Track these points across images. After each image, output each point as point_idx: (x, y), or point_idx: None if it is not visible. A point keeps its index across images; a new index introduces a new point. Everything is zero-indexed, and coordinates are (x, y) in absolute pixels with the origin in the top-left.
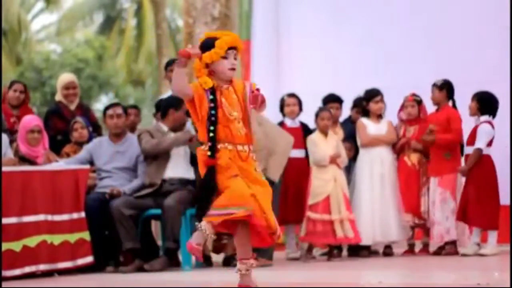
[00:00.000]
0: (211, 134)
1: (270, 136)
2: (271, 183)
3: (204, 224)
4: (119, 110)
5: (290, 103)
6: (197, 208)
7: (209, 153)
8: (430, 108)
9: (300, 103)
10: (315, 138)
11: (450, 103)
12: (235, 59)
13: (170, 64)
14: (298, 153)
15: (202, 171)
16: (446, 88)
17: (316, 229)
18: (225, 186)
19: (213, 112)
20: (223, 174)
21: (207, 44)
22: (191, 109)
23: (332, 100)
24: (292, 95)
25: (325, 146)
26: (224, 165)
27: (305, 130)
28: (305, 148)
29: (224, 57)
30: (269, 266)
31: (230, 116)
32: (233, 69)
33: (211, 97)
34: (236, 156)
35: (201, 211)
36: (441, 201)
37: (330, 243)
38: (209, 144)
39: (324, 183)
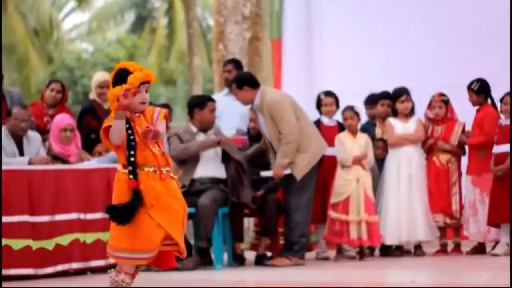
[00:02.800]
0: (132, 159)
1: (305, 134)
2: (290, 179)
3: (120, 276)
4: None
5: (327, 103)
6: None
7: (131, 176)
8: (470, 107)
9: (337, 102)
10: (342, 138)
11: (490, 101)
12: (146, 91)
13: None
14: (335, 152)
15: (122, 196)
16: (482, 91)
17: (335, 228)
18: (139, 220)
19: (131, 137)
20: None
21: (120, 77)
22: (109, 142)
23: (383, 97)
24: (329, 94)
25: (352, 146)
26: (143, 189)
27: (342, 129)
28: None
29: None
30: (301, 265)
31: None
32: (144, 103)
33: (127, 125)
34: (155, 178)
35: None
36: (480, 201)
37: (343, 243)
38: (130, 168)
39: (346, 183)
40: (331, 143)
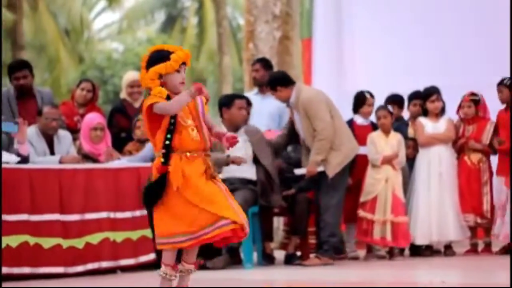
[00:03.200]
0: (167, 142)
1: (338, 132)
2: (321, 179)
3: (162, 269)
4: None
5: (371, 102)
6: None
7: (162, 160)
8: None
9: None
10: (374, 137)
11: None
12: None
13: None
14: (367, 151)
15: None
16: None
17: (362, 227)
18: (175, 203)
19: (172, 120)
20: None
21: (160, 56)
22: (150, 122)
23: (416, 97)
24: (372, 95)
25: (384, 145)
26: (172, 172)
27: (375, 129)
28: None
29: (177, 71)
30: (330, 265)
31: (184, 123)
32: (183, 83)
33: None
34: (186, 162)
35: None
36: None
37: (367, 242)
38: (163, 151)
39: (375, 182)
40: (364, 142)
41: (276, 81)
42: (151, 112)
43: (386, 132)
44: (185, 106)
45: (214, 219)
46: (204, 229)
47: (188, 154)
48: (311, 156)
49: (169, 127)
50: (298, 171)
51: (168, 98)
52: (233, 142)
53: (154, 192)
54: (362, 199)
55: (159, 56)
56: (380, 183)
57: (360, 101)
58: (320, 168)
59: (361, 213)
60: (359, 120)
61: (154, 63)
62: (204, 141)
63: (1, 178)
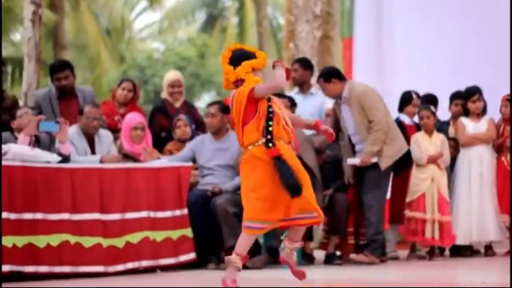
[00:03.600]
0: (270, 129)
1: (391, 128)
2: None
3: (231, 257)
4: (213, 109)
5: (417, 104)
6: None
7: (270, 144)
8: None
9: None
10: (418, 137)
11: None
12: None
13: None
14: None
15: (254, 172)
16: None
17: (410, 227)
18: (264, 190)
19: (270, 109)
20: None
21: (247, 54)
22: (246, 109)
23: (457, 97)
24: (419, 96)
25: (428, 145)
26: (283, 154)
27: (418, 129)
28: None
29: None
30: (375, 264)
31: (280, 114)
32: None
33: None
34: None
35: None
36: None
37: (417, 241)
38: (267, 137)
39: (420, 181)
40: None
41: (331, 73)
42: (252, 97)
43: (430, 132)
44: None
45: (310, 208)
46: (299, 214)
47: (282, 142)
48: (366, 147)
49: (269, 115)
50: (350, 161)
51: None
52: (330, 136)
53: (292, 178)
54: (408, 199)
55: (246, 54)
56: (426, 182)
57: (407, 101)
58: (375, 159)
59: (408, 213)
60: (406, 119)
61: (243, 59)
62: (292, 133)
63: (1, 178)
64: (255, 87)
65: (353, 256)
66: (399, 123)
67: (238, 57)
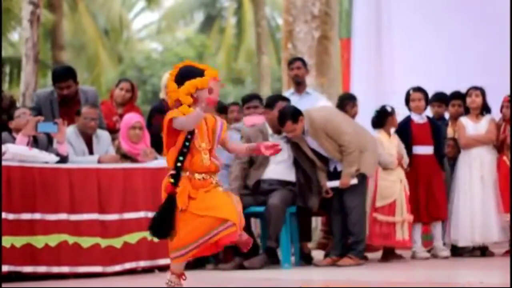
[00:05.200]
0: (179, 164)
1: (359, 133)
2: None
3: (168, 277)
4: None
5: (415, 97)
6: (156, 227)
7: (172, 180)
8: None
9: (426, 98)
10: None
11: None
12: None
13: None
14: (428, 150)
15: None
16: None
17: (381, 230)
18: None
19: (187, 143)
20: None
21: (193, 72)
22: (168, 136)
23: (455, 97)
24: (417, 89)
25: (389, 146)
26: (179, 193)
27: (433, 126)
28: (434, 145)
29: (210, 88)
30: (361, 265)
31: (199, 148)
32: (216, 101)
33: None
34: (195, 185)
35: (159, 229)
36: None
37: (388, 244)
38: (174, 172)
39: (391, 184)
40: (422, 140)
41: (288, 115)
42: (171, 127)
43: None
44: (205, 128)
45: (217, 223)
46: (209, 233)
47: (197, 176)
48: (344, 169)
49: (183, 149)
50: (330, 184)
51: None
52: (276, 150)
53: (164, 220)
54: (379, 203)
55: (191, 72)
56: (396, 185)
57: (406, 97)
58: (354, 181)
59: (380, 216)
60: (416, 117)
61: (187, 78)
62: (214, 165)
63: (1, 178)
64: (173, 119)
65: (340, 262)
66: (409, 122)
67: (182, 76)
